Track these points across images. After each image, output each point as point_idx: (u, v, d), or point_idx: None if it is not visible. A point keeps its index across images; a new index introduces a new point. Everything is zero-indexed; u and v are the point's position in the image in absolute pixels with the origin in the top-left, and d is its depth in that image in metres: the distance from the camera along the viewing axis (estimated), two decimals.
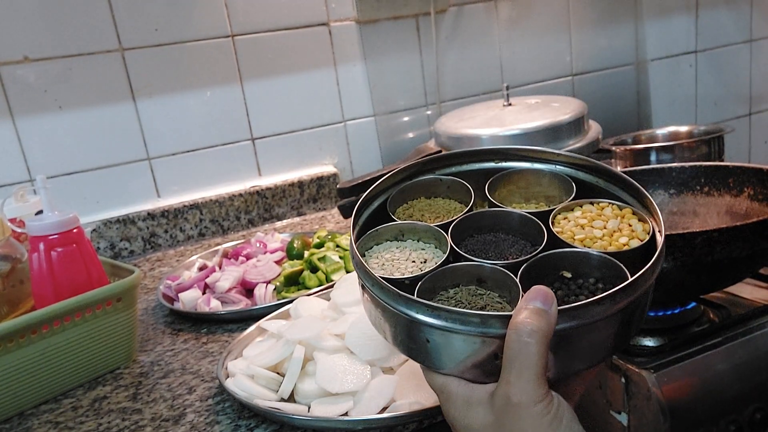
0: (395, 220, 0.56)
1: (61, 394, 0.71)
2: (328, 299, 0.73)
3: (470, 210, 0.56)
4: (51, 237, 0.71)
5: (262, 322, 0.74)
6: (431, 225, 0.54)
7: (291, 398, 0.61)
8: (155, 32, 1.14)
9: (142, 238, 1.17)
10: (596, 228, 0.52)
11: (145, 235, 1.17)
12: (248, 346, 0.71)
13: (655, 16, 1.59)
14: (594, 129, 1.07)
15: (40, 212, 0.76)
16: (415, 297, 0.44)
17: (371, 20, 1.29)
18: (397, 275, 0.49)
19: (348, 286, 0.72)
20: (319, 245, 0.97)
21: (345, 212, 1.10)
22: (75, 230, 0.73)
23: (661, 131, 1.40)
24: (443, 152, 0.63)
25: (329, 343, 0.62)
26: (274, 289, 0.88)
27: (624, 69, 1.58)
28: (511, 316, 0.41)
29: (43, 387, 0.69)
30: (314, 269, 0.90)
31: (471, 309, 0.46)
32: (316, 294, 0.79)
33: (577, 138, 1.02)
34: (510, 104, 1.10)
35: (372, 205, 0.57)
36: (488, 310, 0.46)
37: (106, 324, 0.72)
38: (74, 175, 1.13)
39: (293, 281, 0.89)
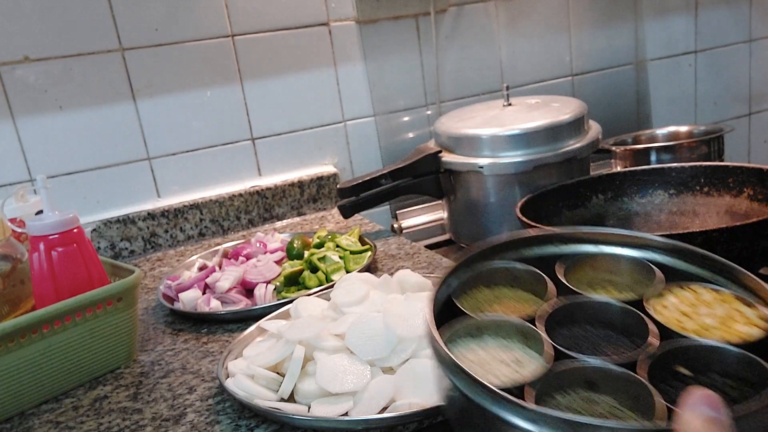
0: (466, 315, 0.49)
1: (62, 393, 0.71)
2: (328, 299, 0.73)
3: (550, 300, 0.49)
4: (51, 237, 0.71)
5: (262, 322, 0.74)
6: (521, 320, 0.47)
7: (291, 398, 0.61)
8: (155, 32, 1.14)
9: (143, 238, 1.17)
10: (704, 315, 0.46)
11: (146, 235, 1.17)
12: (248, 346, 0.71)
13: (654, 16, 1.59)
14: (594, 129, 1.07)
15: (40, 212, 0.76)
16: (552, 412, 0.36)
17: (371, 20, 1.29)
18: (494, 380, 0.41)
19: (348, 286, 0.72)
20: (319, 245, 0.97)
21: (345, 212, 1.11)
22: (75, 230, 0.73)
23: (661, 131, 1.40)
24: (494, 243, 0.54)
25: (329, 343, 0.62)
26: (274, 289, 0.88)
27: (624, 69, 1.58)
28: (671, 430, 0.34)
29: (43, 387, 0.69)
30: (314, 269, 0.90)
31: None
32: (316, 294, 0.79)
33: (577, 138, 1.02)
34: (510, 104, 1.10)
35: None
36: (613, 421, 0.39)
37: (106, 324, 0.72)
38: (74, 175, 1.13)
39: (293, 281, 0.89)
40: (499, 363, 0.44)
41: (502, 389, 0.37)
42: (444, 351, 0.41)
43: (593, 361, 0.42)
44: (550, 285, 0.50)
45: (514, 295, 0.52)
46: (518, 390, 0.40)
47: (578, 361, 0.42)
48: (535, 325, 0.46)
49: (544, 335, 0.45)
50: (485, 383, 0.38)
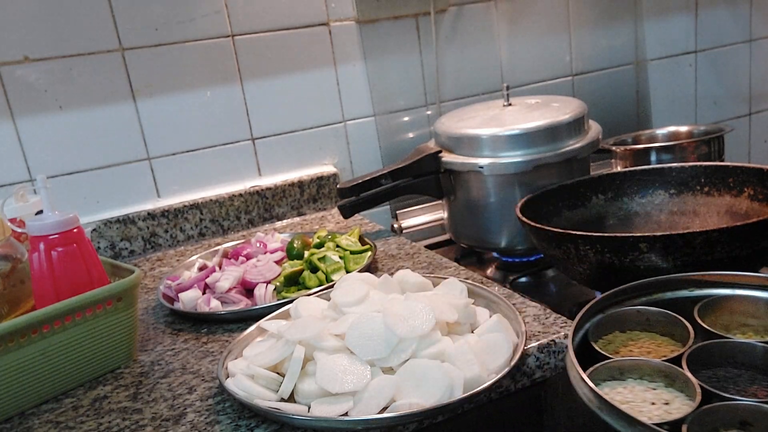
0: (605, 358, 0.50)
1: (62, 393, 0.71)
2: (328, 299, 0.73)
3: (686, 344, 0.50)
4: (51, 237, 0.71)
5: (262, 322, 0.74)
6: (664, 362, 0.48)
7: (291, 398, 0.61)
8: (155, 32, 1.14)
9: (143, 238, 1.17)
10: None
11: (146, 235, 1.17)
12: (248, 346, 0.71)
13: (654, 16, 1.59)
14: (594, 129, 1.07)
15: (40, 212, 0.76)
16: None
17: (371, 20, 1.29)
18: (644, 419, 0.42)
19: (348, 286, 0.72)
20: (319, 245, 0.97)
21: (345, 212, 1.11)
22: (75, 230, 0.73)
23: (661, 131, 1.40)
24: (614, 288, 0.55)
25: (329, 343, 0.62)
26: (274, 289, 0.88)
27: (624, 69, 1.58)
28: None
29: (43, 386, 0.69)
30: (314, 269, 0.90)
31: None
32: (316, 294, 0.79)
33: (577, 138, 1.02)
34: (510, 104, 1.10)
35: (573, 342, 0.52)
36: None
37: (106, 324, 0.72)
38: (74, 175, 1.13)
39: (293, 281, 0.89)
40: (646, 403, 0.45)
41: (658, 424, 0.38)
42: (595, 392, 0.42)
43: (747, 401, 0.42)
44: (689, 327, 0.51)
45: (649, 338, 0.54)
46: (671, 428, 0.41)
47: (730, 400, 0.42)
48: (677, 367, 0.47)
49: (690, 375, 0.45)
50: (644, 421, 0.38)
